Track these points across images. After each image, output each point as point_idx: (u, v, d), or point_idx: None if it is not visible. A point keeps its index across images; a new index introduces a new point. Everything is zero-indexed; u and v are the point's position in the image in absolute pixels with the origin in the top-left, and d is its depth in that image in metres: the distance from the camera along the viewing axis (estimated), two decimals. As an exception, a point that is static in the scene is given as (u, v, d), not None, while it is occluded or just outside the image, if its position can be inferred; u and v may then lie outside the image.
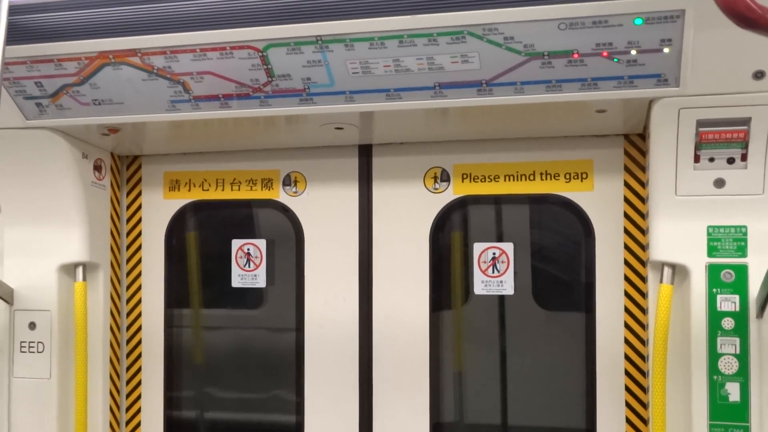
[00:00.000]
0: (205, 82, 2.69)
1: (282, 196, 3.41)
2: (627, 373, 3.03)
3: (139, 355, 3.54)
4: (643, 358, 2.99)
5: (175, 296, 3.59)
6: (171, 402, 3.56)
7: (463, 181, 3.22)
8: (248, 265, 3.47)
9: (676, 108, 2.52)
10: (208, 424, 3.66)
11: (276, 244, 3.49)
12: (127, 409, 3.55)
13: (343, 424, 3.31)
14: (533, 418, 3.32)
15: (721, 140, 2.54)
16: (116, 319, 3.47)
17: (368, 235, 3.31)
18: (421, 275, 3.25)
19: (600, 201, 3.08)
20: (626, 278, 3.04)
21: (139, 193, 3.56)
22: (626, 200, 3.04)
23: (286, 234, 3.43)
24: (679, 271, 2.64)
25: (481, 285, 3.21)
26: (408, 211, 3.27)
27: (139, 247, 3.56)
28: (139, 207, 3.56)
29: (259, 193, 3.44)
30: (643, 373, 2.99)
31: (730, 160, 2.57)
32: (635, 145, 3.03)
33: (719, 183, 2.58)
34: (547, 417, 3.28)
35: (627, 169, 3.04)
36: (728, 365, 2.54)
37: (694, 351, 2.58)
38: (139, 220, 3.56)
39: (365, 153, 3.32)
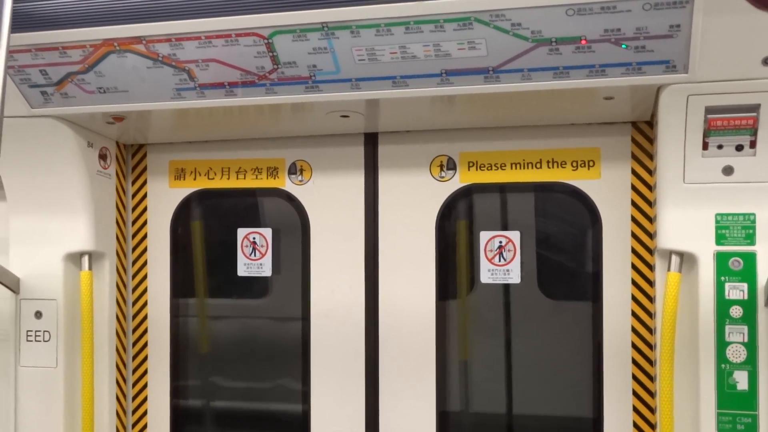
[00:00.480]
0: (211, 70, 2.68)
1: (287, 184, 3.41)
2: (634, 362, 3.02)
3: (145, 344, 3.54)
4: (650, 346, 2.98)
5: (181, 285, 3.59)
6: (177, 391, 3.57)
7: (469, 170, 3.21)
8: (254, 254, 3.47)
9: (685, 95, 2.50)
10: (214, 412, 3.66)
11: (282, 233, 3.48)
12: (134, 398, 3.56)
13: (349, 413, 3.31)
14: (540, 407, 3.31)
15: (729, 127, 2.52)
16: (122, 308, 3.47)
17: (374, 224, 3.30)
18: (427, 264, 3.24)
19: (607, 189, 3.07)
20: (633, 266, 3.03)
21: (145, 182, 3.56)
22: (633, 188, 3.03)
23: (292, 223, 3.42)
24: (686, 259, 2.62)
25: (487, 274, 3.20)
26: (414, 200, 3.26)
27: (145, 236, 3.56)
28: (145, 196, 3.56)
29: (264, 182, 3.43)
30: (651, 362, 2.98)
31: (739, 148, 2.55)
32: (643, 133, 3.01)
33: (728, 170, 2.57)
34: (554, 406, 3.27)
35: (634, 157, 3.03)
36: (736, 354, 2.53)
37: (701, 339, 2.57)
38: (145, 209, 3.56)
39: (371, 141, 3.31)
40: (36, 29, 2.67)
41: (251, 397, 3.60)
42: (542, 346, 3.31)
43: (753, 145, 2.53)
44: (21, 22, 2.61)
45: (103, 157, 3.30)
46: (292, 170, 3.39)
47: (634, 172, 3.03)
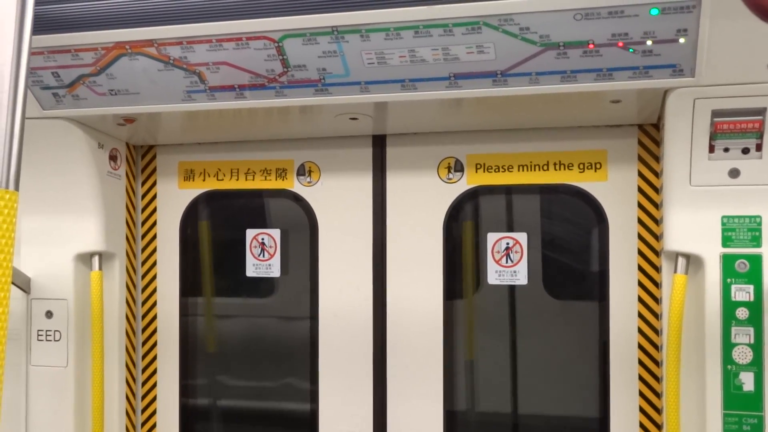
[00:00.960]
0: (221, 73, 2.70)
1: (296, 186, 3.43)
2: (640, 363, 3.03)
3: (155, 344, 3.57)
4: (656, 347, 3.00)
5: (190, 285, 3.61)
6: (186, 390, 3.59)
7: (476, 172, 3.23)
8: (263, 255, 3.49)
9: (692, 98, 2.52)
10: (223, 411, 3.68)
11: (290, 234, 3.50)
12: (143, 397, 3.58)
13: (357, 412, 3.33)
14: (546, 407, 3.33)
15: (735, 130, 2.53)
16: (132, 308, 3.49)
17: (382, 225, 3.32)
18: (434, 265, 3.26)
19: (614, 191, 3.08)
20: (640, 268, 3.04)
21: (154, 183, 3.58)
22: (640, 190, 3.04)
23: (301, 224, 3.44)
24: (693, 261, 2.64)
25: (495, 275, 3.22)
26: (422, 201, 3.28)
27: (154, 237, 3.58)
28: (154, 197, 3.58)
29: (273, 183, 3.45)
30: (657, 363, 3.00)
31: (745, 150, 2.57)
32: (649, 135, 3.03)
33: (734, 173, 2.58)
34: (561, 406, 3.29)
35: (641, 159, 3.04)
36: (742, 355, 2.55)
37: (708, 341, 2.59)
38: (154, 210, 3.58)
39: (379, 143, 3.33)
40: (49, 32, 2.69)
41: (260, 396, 3.62)
42: (549, 347, 3.33)
43: (759, 148, 2.55)
44: (34, 24, 2.62)
45: (113, 158, 3.33)
46: (301, 171, 3.41)
47: (640, 175, 3.04)
